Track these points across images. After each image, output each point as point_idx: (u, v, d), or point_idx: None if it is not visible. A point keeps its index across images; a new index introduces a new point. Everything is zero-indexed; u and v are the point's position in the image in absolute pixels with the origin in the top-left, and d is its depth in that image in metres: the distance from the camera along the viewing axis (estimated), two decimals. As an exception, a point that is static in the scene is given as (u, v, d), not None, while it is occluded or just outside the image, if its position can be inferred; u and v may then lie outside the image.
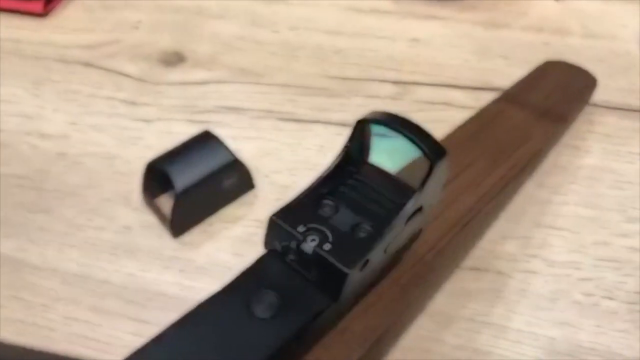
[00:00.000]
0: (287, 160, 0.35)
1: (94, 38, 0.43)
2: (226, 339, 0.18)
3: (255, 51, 0.42)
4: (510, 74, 0.37)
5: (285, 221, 0.19)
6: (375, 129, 0.21)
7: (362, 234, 0.19)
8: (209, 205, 0.31)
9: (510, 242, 0.31)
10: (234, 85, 0.39)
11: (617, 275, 0.29)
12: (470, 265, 0.30)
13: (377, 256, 0.20)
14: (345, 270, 0.18)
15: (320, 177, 0.21)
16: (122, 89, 0.39)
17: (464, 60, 0.41)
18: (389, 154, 0.21)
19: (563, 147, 0.35)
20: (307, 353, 0.20)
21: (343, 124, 0.37)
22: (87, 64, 0.41)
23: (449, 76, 0.40)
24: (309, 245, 0.19)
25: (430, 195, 0.21)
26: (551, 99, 0.34)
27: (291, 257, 0.19)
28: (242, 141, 0.35)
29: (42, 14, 0.44)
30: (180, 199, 0.29)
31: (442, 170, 0.20)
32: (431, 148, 0.19)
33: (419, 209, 0.20)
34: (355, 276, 0.19)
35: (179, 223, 0.30)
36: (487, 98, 0.35)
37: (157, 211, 0.32)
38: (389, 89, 0.39)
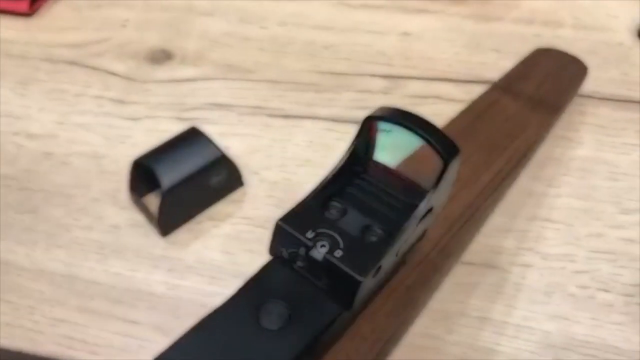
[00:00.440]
0: (277, 157, 0.34)
1: (80, 37, 0.43)
2: (234, 353, 0.17)
3: (244, 47, 0.41)
4: (501, 67, 0.36)
5: (293, 226, 0.18)
6: (381, 125, 0.20)
7: (373, 238, 0.19)
8: (197, 203, 0.31)
9: (504, 236, 0.30)
10: (222, 82, 0.39)
11: (612, 268, 0.29)
12: (465, 260, 0.29)
13: (389, 260, 0.19)
14: (359, 278, 0.17)
15: (327, 177, 0.20)
16: (109, 88, 0.39)
17: (455, 53, 0.40)
18: (393, 149, 0.21)
19: (556, 138, 0.35)
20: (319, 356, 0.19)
21: (333, 120, 0.36)
22: (74, 63, 0.41)
23: (440, 70, 0.39)
24: (319, 252, 0.18)
25: (442, 195, 0.20)
26: (543, 88, 0.34)
27: (299, 263, 0.18)
28: (231, 138, 0.35)
29: (28, 14, 0.44)
30: (167, 197, 0.29)
31: (455, 168, 0.19)
32: (445, 146, 0.19)
33: (430, 210, 0.20)
34: (368, 283, 0.18)
35: (167, 221, 0.30)
36: (478, 91, 0.34)
37: (144, 210, 0.31)
38: (379, 83, 0.38)
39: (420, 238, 0.22)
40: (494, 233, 0.30)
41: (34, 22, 0.44)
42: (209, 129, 0.32)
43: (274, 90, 0.38)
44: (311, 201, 0.19)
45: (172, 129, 0.34)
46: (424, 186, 0.19)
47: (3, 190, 0.33)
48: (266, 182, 0.33)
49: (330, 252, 0.18)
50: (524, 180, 0.32)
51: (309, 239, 0.18)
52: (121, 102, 0.38)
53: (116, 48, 0.41)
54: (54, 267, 0.30)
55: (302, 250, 0.18)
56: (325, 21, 0.43)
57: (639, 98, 0.37)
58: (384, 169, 0.21)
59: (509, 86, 0.34)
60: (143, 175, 0.30)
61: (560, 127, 0.35)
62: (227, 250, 0.30)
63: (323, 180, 0.20)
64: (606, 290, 0.28)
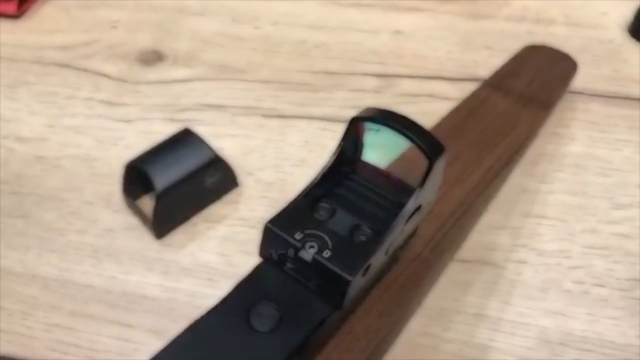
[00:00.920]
0: (271, 157, 0.34)
1: (70, 38, 0.42)
2: (226, 355, 0.17)
3: (236, 47, 0.41)
4: (494, 65, 0.36)
5: (281, 228, 0.18)
6: (367, 125, 0.20)
7: (362, 237, 0.19)
8: (191, 205, 0.31)
9: (499, 233, 0.30)
10: (215, 82, 0.39)
11: (606, 263, 0.29)
12: (460, 257, 0.29)
13: (378, 259, 0.19)
14: (348, 277, 0.17)
15: (315, 179, 0.20)
16: (100, 90, 0.38)
17: (447, 51, 0.40)
18: (381, 149, 0.21)
19: (548, 135, 0.35)
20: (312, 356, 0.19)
21: (327, 119, 0.36)
22: (64, 65, 0.40)
23: (433, 68, 0.39)
24: (308, 253, 0.18)
25: (429, 193, 0.20)
26: (534, 85, 0.34)
27: (289, 265, 0.19)
28: (224, 139, 0.35)
29: (16, 15, 0.43)
30: (161, 199, 0.29)
31: (440, 167, 0.19)
32: (430, 146, 0.19)
33: (418, 208, 0.20)
34: (357, 282, 0.18)
35: (161, 224, 0.30)
36: (471, 89, 0.34)
37: (138, 212, 0.31)
38: (372, 82, 0.38)
39: (411, 235, 0.22)
40: (488, 230, 0.30)
41: (22, 23, 0.43)
42: (202, 130, 0.32)
43: (267, 90, 0.38)
44: (299, 203, 0.19)
45: (165, 130, 0.34)
46: (412, 185, 0.19)
47: (-6, 195, 0.33)
48: (261, 182, 0.33)
49: (319, 252, 0.18)
50: (518, 177, 0.32)
51: (298, 240, 0.18)
52: (112, 104, 0.38)
53: (106, 49, 0.41)
54: (47, 271, 0.30)
55: (291, 252, 0.18)
56: (317, 20, 0.43)
57: (630, 94, 0.37)
58: (373, 169, 0.21)
59: (499, 83, 0.34)
60: (136, 177, 0.30)
61: (552, 124, 0.35)
62: (222, 252, 0.30)
63: (311, 182, 0.20)
64: (601, 285, 0.28)
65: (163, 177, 0.28)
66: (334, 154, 0.20)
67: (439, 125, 0.31)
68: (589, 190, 0.32)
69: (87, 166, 0.34)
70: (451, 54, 0.40)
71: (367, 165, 0.21)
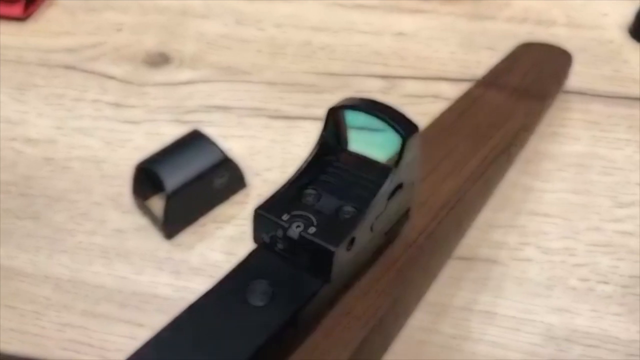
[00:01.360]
0: (278, 158, 0.34)
1: (76, 41, 0.42)
2: (224, 328, 0.18)
3: (241, 49, 0.41)
4: (496, 65, 0.37)
5: (269, 212, 0.20)
6: (351, 117, 0.21)
7: (346, 215, 0.20)
8: (200, 206, 0.31)
9: (503, 231, 0.31)
10: (220, 84, 0.39)
11: (610, 260, 0.29)
12: (465, 255, 0.30)
13: (363, 234, 0.20)
14: (332, 248, 0.18)
15: (300, 168, 0.21)
16: (107, 92, 0.39)
17: (450, 52, 0.41)
18: (369, 142, 0.21)
19: (550, 135, 0.35)
20: (308, 338, 0.20)
21: (332, 120, 0.36)
22: (71, 67, 0.41)
23: (436, 69, 0.40)
24: (295, 231, 0.19)
25: (407, 172, 0.21)
26: (528, 78, 0.34)
27: (280, 246, 0.20)
28: (231, 140, 0.35)
29: (22, 18, 0.44)
30: (172, 200, 0.29)
31: (415, 145, 0.20)
32: (402, 125, 0.20)
33: (400, 186, 0.21)
34: (343, 255, 0.19)
35: (171, 224, 0.30)
36: (475, 89, 0.35)
37: (148, 213, 0.31)
38: (377, 83, 0.39)
39: (404, 220, 0.23)
40: (494, 229, 0.31)
41: (29, 26, 0.44)
42: (209, 131, 0.32)
43: (272, 91, 0.38)
44: (287, 190, 0.20)
45: (172, 132, 0.34)
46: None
47: (3, 197, 0.33)
48: (268, 182, 0.33)
49: (305, 229, 0.19)
50: (522, 177, 0.33)
51: (285, 221, 0.19)
52: (119, 105, 0.38)
53: (112, 52, 0.41)
54: (59, 272, 0.30)
55: (279, 233, 0.19)
56: (320, 22, 0.43)
57: (631, 94, 0.38)
58: (356, 156, 0.21)
59: (493, 80, 0.34)
60: (146, 178, 0.30)
61: (554, 124, 0.36)
62: (231, 252, 0.30)
63: (296, 171, 0.21)
64: (605, 282, 0.29)
65: (173, 177, 0.29)
66: (316, 144, 0.21)
67: (433, 124, 0.31)
68: (592, 188, 0.33)
69: (95, 168, 0.34)
70: (454, 55, 0.41)
71: (351, 154, 0.22)
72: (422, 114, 0.36)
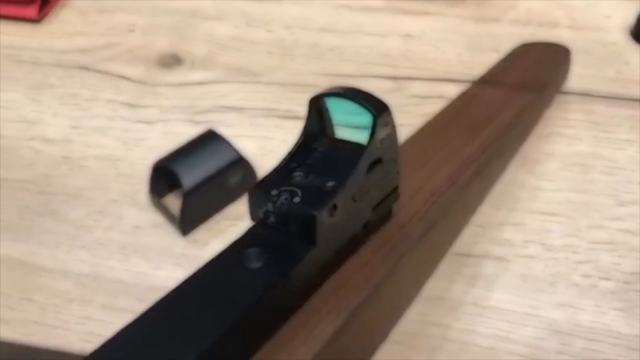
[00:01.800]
0: (289, 157, 0.35)
1: (90, 42, 0.43)
2: (220, 287, 0.20)
3: (252, 51, 0.42)
4: (501, 67, 0.38)
5: (260, 189, 0.21)
6: (333, 106, 0.23)
7: (328, 188, 0.21)
8: (215, 203, 0.32)
9: (509, 230, 0.32)
10: (232, 85, 0.40)
11: (612, 257, 0.30)
12: (471, 252, 0.31)
13: (346, 203, 0.21)
14: (313, 212, 0.20)
15: (288, 154, 0.23)
16: (121, 92, 0.40)
17: (456, 54, 0.42)
18: (354, 129, 0.23)
19: (554, 135, 0.36)
20: (305, 303, 0.21)
21: (342, 120, 0.37)
22: (85, 68, 0.41)
23: (442, 70, 0.41)
24: (282, 203, 0.21)
25: (384, 148, 0.22)
26: (526, 74, 0.35)
27: (272, 219, 0.21)
28: (243, 139, 0.36)
29: (37, 20, 0.45)
30: (188, 198, 0.30)
31: (387, 123, 0.22)
32: (372, 104, 0.21)
33: (379, 161, 0.22)
34: (325, 220, 0.21)
35: (188, 221, 0.31)
36: (480, 90, 0.36)
37: (164, 210, 0.32)
38: (384, 84, 0.40)
39: (391, 194, 0.24)
40: (499, 227, 0.32)
41: (43, 27, 0.45)
42: (221, 131, 0.33)
43: (283, 92, 0.39)
44: (276, 173, 0.22)
45: (186, 131, 0.35)
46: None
47: (23, 194, 0.34)
48: (280, 181, 0.34)
49: (291, 200, 0.21)
50: (524, 176, 0.34)
51: (274, 196, 0.21)
52: (134, 106, 0.39)
53: (126, 53, 0.42)
54: (78, 267, 0.31)
55: (270, 206, 0.21)
56: (328, 24, 0.44)
57: (632, 95, 0.39)
58: (341, 141, 0.23)
59: (490, 78, 0.35)
60: (163, 176, 0.31)
61: (558, 125, 0.37)
62: (245, 248, 0.31)
63: (284, 157, 0.22)
64: (607, 279, 0.30)
65: (190, 176, 0.30)
66: (302, 132, 0.23)
67: (429, 121, 0.31)
68: (594, 188, 0.33)
69: (111, 166, 0.35)
70: (460, 57, 0.42)
71: (335, 139, 0.23)
72: (428, 114, 0.38)
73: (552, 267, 0.30)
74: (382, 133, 0.22)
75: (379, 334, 0.25)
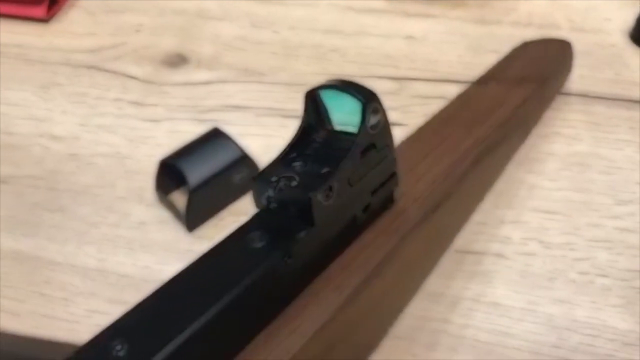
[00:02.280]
0: (293, 155, 0.36)
1: (97, 42, 0.44)
2: (226, 265, 0.21)
3: (257, 51, 0.43)
4: (502, 68, 0.38)
5: (261, 177, 0.23)
6: (329, 99, 0.24)
7: (324, 172, 0.22)
8: (220, 200, 0.33)
9: (509, 227, 0.32)
10: (237, 84, 0.41)
11: (609, 255, 0.31)
12: (471, 248, 0.31)
13: (342, 186, 0.22)
14: (309, 194, 0.21)
15: (287, 146, 0.24)
16: (128, 91, 0.40)
17: (458, 55, 0.42)
18: (346, 117, 0.24)
19: (554, 135, 0.37)
20: (308, 287, 0.22)
21: (345, 119, 0.38)
22: (93, 67, 0.42)
23: (444, 71, 0.41)
24: (281, 188, 0.22)
25: (376, 134, 0.23)
26: (526, 69, 0.35)
27: (273, 204, 0.22)
28: (248, 138, 0.36)
29: (46, 20, 0.45)
30: (194, 194, 0.31)
31: (376, 110, 0.23)
32: (361, 93, 0.23)
33: (373, 147, 0.23)
34: (321, 202, 0.22)
35: (193, 217, 0.32)
36: (481, 91, 0.36)
37: (170, 207, 0.33)
38: (387, 85, 0.40)
39: (390, 180, 0.25)
40: (499, 224, 0.32)
41: (51, 27, 0.45)
42: (227, 130, 0.34)
43: (287, 92, 0.40)
44: (276, 163, 0.23)
45: (191, 129, 0.36)
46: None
47: (32, 190, 0.35)
48: (284, 179, 0.35)
49: (289, 184, 0.22)
50: (527, 175, 0.34)
51: (273, 182, 0.22)
52: (140, 104, 0.40)
53: (132, 52, 0.43)
54: (86, 261, 0.32)
55: (271, 192, 0.22)
56: (332, 26, 0.45)
57: (631, 97, 0.39)
58: (338, 132, 0.24)
59: (491, 75, 0.36)
60: (169, 174, 0.32)
61: (557, 125, 0.37)
62: (249, 244, 0.32)
63: (284, 149, 0.24)
64: (604, 276, 0.30)
65: (196, 173, 0.30)
66: (300, 126, 0.24)
67: (430, 119, 0.32)
68: (593, 187, 0.34)
69: (118, 163, 0.36)
70: (461, 58, 0.42)
71: (333, 130, 0.24)
72: (429, 114, 0.38)
73: (550, 264, 0.31)
74: (372, 120, 0.23)
75: (384, 318, 0.26)
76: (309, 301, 0.22)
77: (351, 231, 0.24)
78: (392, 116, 0.24)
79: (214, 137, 0.32)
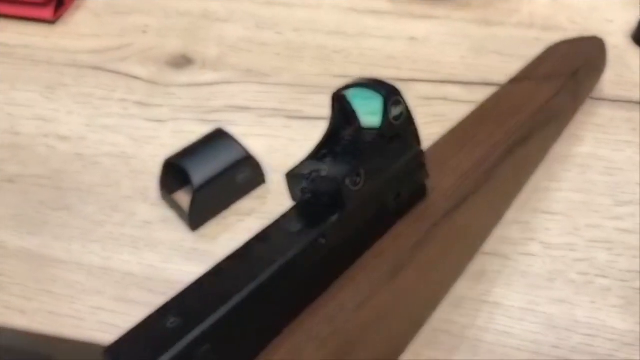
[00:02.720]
0: (296, 156, 0.35)
1: (103, 43, 0.45)
2: (267, 247, 0.22)
3: (261, 52, 0.43)
4: (504, 69, 0.38)
5: (294, 172, 0.24)
6: (356, 98, 0.25)
7: (351, 162, 0.24)
8: (224, 199, 0.33)
9: (510, 227, 0.32)
10: (241, 85, 0.41)
11: (609, 255, 0.31)
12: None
13: (369, 173, 0.24)
14: (338, 179, 0.23)
15: (317, 145, 0.25)
16: (133, 91, 0.41)
17: (460, 57, 0.43)
18: (372, 114, 0.25)
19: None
20: (342, 275, 0.23)
21: (347, 120, 0.38)
22: (98, 68, 0.43)
23: (447, 73, 0.41)
24: (312, 178, 0.23)
25: (399, 125, 0.24)
26: (557, 66, 0.36)
27: (307, 195, 0.24)
28: (251, 138, 0.37)
29: (52, 21, 0.46)
30: (198, 194, 0.31)
31: (397, 104, 0.24)
32: (383, 88, 0.24)
33: (397, 136, 0.24)
34: (350, 187, 0.23)
35: (197, 216, 0.32)
36: (483, 92, 0.36)
37: (175, 206, 0.33)
38: (389, 85, 0.41)
39: (420, 172, 0.26)
40: (501, 225, 0.32)
41: (58, 28, 0.46)
42: (231, 130, 0.34)
43: (291, 93, 0.40)
44: (309, 158, 0.24)
45: (196, 130, 0.36)
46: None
47: (38, 189, 0.35)
48: (286, 179, 0.35)
49: (318, 174, 0.23)
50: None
51: (306, 174, 0.24)
52: (145, 105, 0.40)
53: (138, 53, 0.44)
54: (91, 260, 0.32)
55: (304, 183, 0.24)
56: (336, 27, 0.45)
57: (632, 98, 0.39)
58: (368, 129, 0.25)
59: (522, 76, 0.36)
60: (173, 173, 0.32)
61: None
62: (252, 243, 0.32)
63: (314, 148, 0.25)
64: (604, 276, 0.30)
65: (200, 173, 0.31)
66: (328, 125, 0.25)
67: (464, 119, 0.32)
68: (594, 188, 0.34)
69: (124, 163, 0.37)
70: (464, 59, 0.42)
71: (360, 128, 0.25)
72: (432, 115, 0.38)
73: (550, 264, 0.31)
74: (394, 111, 0.24)
75: (420, 306, 0.27)
76: (344, 285, 0.23)
77: (383, 218, 0.25)
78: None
79: (218, 138, 0.33)
